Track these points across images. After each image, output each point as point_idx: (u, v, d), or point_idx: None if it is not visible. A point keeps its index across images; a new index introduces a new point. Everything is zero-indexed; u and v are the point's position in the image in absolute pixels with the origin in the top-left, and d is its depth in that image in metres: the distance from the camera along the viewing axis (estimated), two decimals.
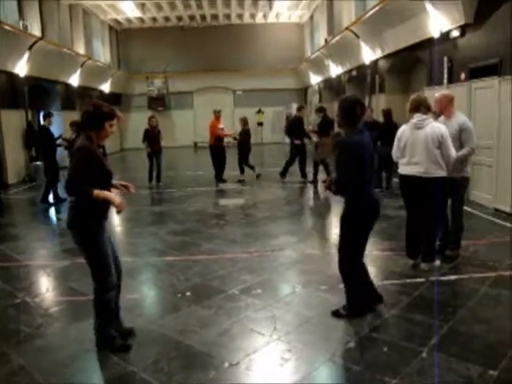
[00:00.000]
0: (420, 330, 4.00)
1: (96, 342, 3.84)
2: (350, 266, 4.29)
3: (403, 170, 5.42)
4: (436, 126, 5.18)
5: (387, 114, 11.18)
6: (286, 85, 27.16)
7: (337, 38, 18.05)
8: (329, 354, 3.70)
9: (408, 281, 5.16)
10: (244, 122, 13.32)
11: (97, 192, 3.52)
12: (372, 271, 5.66)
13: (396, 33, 12.95)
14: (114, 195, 3.66)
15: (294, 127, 12.77)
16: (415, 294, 4.81)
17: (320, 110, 12.60)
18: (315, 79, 24.04)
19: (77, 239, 3.76)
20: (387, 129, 10.70)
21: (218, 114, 13.30)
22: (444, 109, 5.70)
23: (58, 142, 10.86)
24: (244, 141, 13.18)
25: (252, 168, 13.21)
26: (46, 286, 5.68)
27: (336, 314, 4.33)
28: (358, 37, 15.73)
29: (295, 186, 12.22)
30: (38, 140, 11.30)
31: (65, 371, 3.58)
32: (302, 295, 4.92)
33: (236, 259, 6.12)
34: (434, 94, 6.04)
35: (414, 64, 13.99)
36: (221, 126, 13.17)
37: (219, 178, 13.13)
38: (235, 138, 13.54)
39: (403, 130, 5.43)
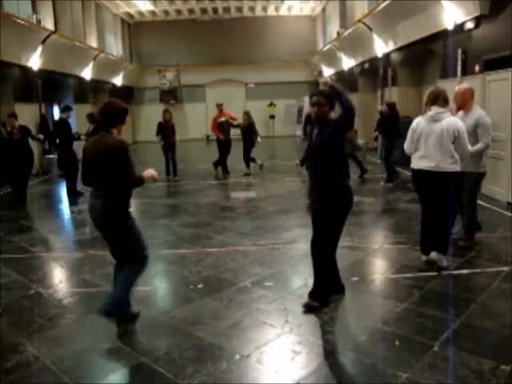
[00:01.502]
0: (432, 324, 3.98)
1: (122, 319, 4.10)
2: (323, 255, 4.32)
3: (417, 164, 5.29)
4: (453, 120, 5.09)
5: (392, 107, 11.07)
6: (298, 77, 27.04)
7: (349, 30, 17.94)
8: (340, 347, 3.71)
9: (420, 274, 5.13)
10: (247, 115, 13.25)
11: (142, 176, 3.96)
12: (383, 264, 5.69)
13: (409, 25, 12.84)
14: (151, 172, 4.03)
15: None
16: (427, 287, 4.79)
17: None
18: (327, 72, 23.91)
19: (117, 225, 4.01)
20: (391, 122, 10.69)
21: (220, 107, 13.33)
22: (465, 102, 5.63)
23: (82, 137, 10.79)
24: (247, 135, 13.10)
25: (253, 160, 13.17)
26: (59, 278, 5.74)
27: (307, 306, 4.34)
28: (370, 29, 15.62)
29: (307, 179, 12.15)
30: (55, 133, 11.31)
31: (77, 362, 3.62)
32: None
33: (248, 252, 6.13)
34: (448, 87, 5.96)
35: (426, 56, 13.87)
36: (223, 118, 13.17)
37: (224, 169, 13.21)
38: (238, 125, 13.42)
39: (418, 122, 5.28)
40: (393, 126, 10.68)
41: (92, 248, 6.61)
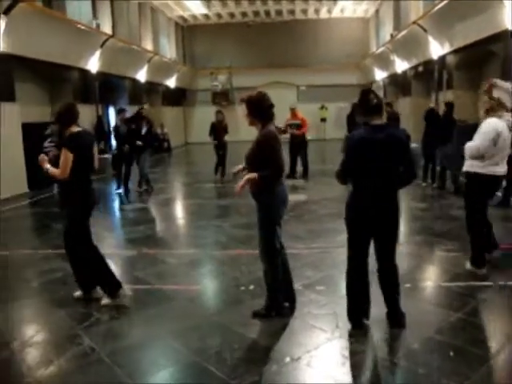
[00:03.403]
0: (487, 336, 3.86)
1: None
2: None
3: (494, 170, 5.00)
4: None
5: (449, 107, 10.58)
6: (350, 80, 26.76)
7: (403, 32, 17.63)
8: (392, 354, 3.65)
9: (473, 283, 4.96)
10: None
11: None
12: (436, 272, 5.55)
13: (467, 26, 12.48)
14: None
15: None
16: (481, 297, 4.64)
17: (386, 105, 12.25)
18: (380, 75, 23.58)
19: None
20: (447, 124, 10.13)
21: (293, 110, 13.25)
22: None
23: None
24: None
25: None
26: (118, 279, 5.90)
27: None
28: (425, 31, 15.29)
29: None
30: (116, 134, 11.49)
31: (130, 357, 3.72)
32: None
33: (299, 255, 6.10)
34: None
35: (485, 58, 13.44)
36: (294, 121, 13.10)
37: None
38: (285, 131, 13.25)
39: (502, 126, 4.94)
40: (449, 129, 10.18)
41: (144, 246, 6.77)
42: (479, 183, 5.07)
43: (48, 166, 4.59)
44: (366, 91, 3.99)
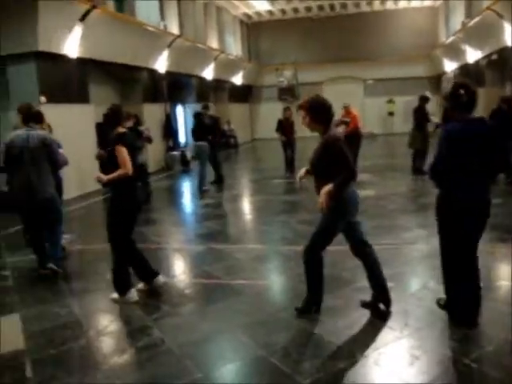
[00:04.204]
0: None
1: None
2: None
3: None
4: None
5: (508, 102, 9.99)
6: (418, 73, 25.92)
7: (476, 19, 16.84)
8: (464, 355, 3.50)
9: None
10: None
11: None
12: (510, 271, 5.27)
13: None
14: None
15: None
16: None
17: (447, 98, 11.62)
18: (450, 66, 22.69)
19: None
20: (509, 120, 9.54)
21: (346, 108, 13.00)
22: None
23: None
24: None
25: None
26: (181, 268, 6.07)
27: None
28: (500, 16, 14.54)
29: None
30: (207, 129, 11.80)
31: (198, 349, 3.80)
32: (435, 291, 4.66)
33: None
34: None
35: None
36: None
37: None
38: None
39: None
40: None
41: (213, 241, 6.90)
42: None
43: (106, 177, 4.68)
44: (458, 85, 3.82)
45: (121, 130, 4.82)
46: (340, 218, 4.05)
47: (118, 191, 4.77)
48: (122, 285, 4.81)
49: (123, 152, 4.63)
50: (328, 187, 3.87)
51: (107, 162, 4.77)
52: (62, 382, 3.46)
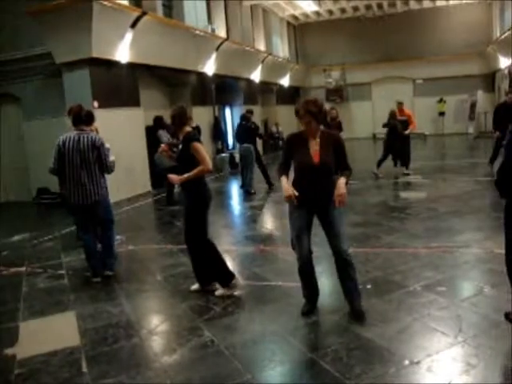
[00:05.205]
0: None
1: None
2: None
3: None
4: None
5: None
6: (470, 71, 25.11)
7: None
8: None
9: None
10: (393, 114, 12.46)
11: None
12: None
13: None
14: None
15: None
16: None
17: None
18: (505, 62, 21.88)
19: None
20: None
21: (399, 106, 12.79)
22: None
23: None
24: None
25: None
26: (231, 270, 6.08)
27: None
28: None
29: (482, 179, 11.23)
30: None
31: (248, 350, 3.81)
32: (490, 297, 4.52)
33: (417, 254, 5.87)
34: None
35: None
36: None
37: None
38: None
39: None
40: None
41: (262, 243, 6.91)
42: None
43: (184, 175, 4.75)
44: None
45: (188, 129, 4.91)
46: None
47: (195, 188, 4.85)
48: (225, 276, 4.96)
49: (201, 149, 4.74)
50: (343, 185, 4.06)
51: (180, 160, 4.85)
52: (115, 378, 3.53)
